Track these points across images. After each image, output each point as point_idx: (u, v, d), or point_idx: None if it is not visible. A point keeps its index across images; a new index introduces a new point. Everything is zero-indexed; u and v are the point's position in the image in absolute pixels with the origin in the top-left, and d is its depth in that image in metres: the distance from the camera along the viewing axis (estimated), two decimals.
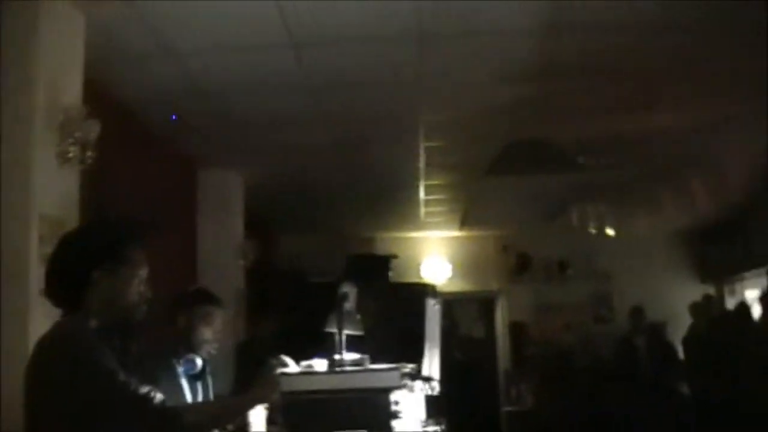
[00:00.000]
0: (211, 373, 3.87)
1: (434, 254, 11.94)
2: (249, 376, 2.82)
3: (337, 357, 3.10)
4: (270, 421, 4.83)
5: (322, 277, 9.02)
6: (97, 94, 4.58)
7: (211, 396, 3.85)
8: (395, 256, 9.66)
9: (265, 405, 3.03)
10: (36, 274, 3.87)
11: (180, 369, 3.69)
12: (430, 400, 3.58)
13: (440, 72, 5.36)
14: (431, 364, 3.58)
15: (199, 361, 3.71)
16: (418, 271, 11.72)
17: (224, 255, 7.73)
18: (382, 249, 10.90)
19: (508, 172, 7.63)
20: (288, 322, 7.44)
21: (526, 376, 11.59)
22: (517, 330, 12.02)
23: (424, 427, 3.21)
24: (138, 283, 2.64)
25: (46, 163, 4.16)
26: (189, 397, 3.65)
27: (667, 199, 9.46)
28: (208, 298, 3.93)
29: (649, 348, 10.31)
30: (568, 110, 6.26)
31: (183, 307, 3.78)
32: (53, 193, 4.22)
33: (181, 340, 3.75)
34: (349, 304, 3.31)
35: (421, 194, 9.13)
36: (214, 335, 3.82)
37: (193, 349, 3.75)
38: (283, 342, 3.29)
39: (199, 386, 3.78)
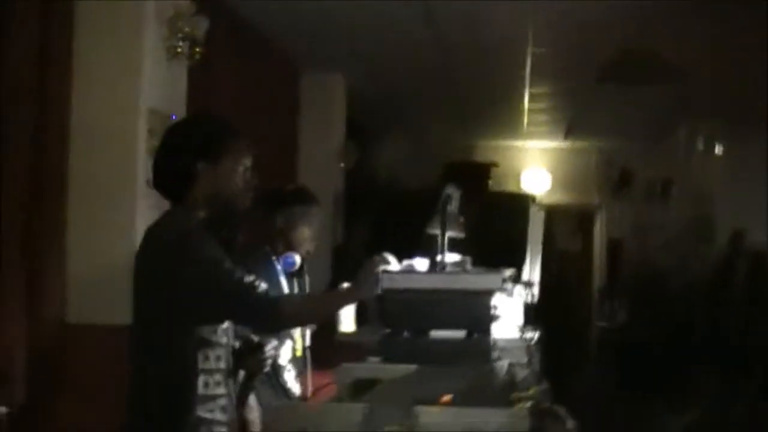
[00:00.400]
0: (308, 272, 3.92)
1: (535, 164, 11.78)
2: (346, 278, 2.83)
3: (438, 258, 3.10)
4: (360, 319, 4.92)
5: (421, 183, 9.04)
6: None
7: None
8: (496, 165, 9.63)
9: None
10: (144, 167, 3.97)
11: (279, 266, 3.74)
12: (527, 308, 3.56)
13: None
14: (532, 270, 3.55)
15: (298, 259, 3.74)
16: (518, 181, 11.59)
17: (324, 158, 7.76)
18: (482, 157, 10.81)
19: (619, 81, 7.41)
20: (386, 225, 7.49)
21: (620, 293, 11.48)
22: (614, 246, 11.87)
23: (521, 333, 3.19)
24: (242, 172, 2.66)
25: (155, 58, 4.21)
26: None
27: None
28: (308, 198, 3.94)
29: (749, 276, 10.07)
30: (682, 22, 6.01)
31: (283, 205, 3.79)
32: (162, 87, 4.28)
33: (280, 238, 3.78)
34: (452, 206, 3.29)
35: (526, 102, 8.96)
36: (312, 234, 3.85)
37: (292, 247, 3.78)
38: (381, 245, 3.28)
39: (296, 284, 3.83)
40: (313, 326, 3.72)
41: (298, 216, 3.79)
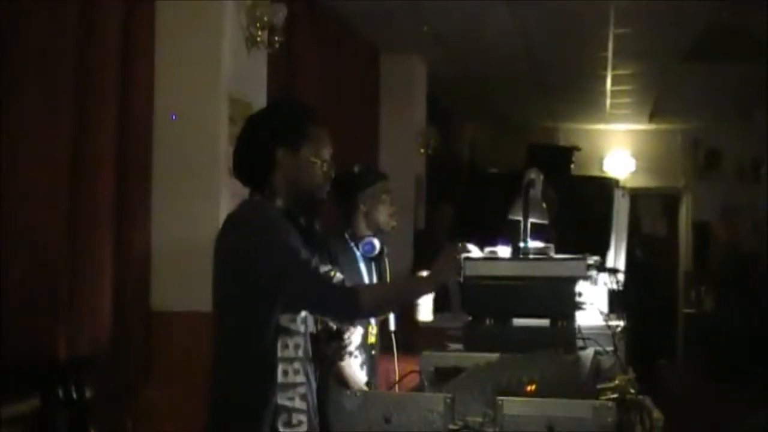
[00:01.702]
0: (388, 256, 3.90)
1: (618, 147, 11.57)
2: (428, 263, 2.80)
3: (521, 244, 3.05)
4: (440, 306, 4.89)
5: (502, 166, 8.96)
6: None
7: (388, 279, 3.88)
8: (578, 148, 9.46)
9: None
10: (226, 154, 4.00)
11: (359, 251, 3.73)
12: (612, 295, 3.49)
13: None
14: (617, 256, 3.47)
15: (377, 243, 3.73)
16: (601, 164, 11.41)
17: (405, 141, 7.75)
18: (564, 140, 10.66)
19: (704, 59, 7.22)
20: (468, 209, 7.44)
21: (708, 278, 11.22)
22: (701, 230, 11.60)
23: (607, 321, 3.12)
24: (322, 162, 2.65)
25: (235, 47, 4.24)
26: (366, 279, 3.69)
27: None
28: (382, 175, 3.93)
29: None
30: None
31: (361, 187, 3.77)
32: (242, 75, 4.32)
33: (364, 220, 3.77)
34: (535, 191, 3.23)
35: (608, 84, 8.81)
36: (394, 209, 3.83)
37: (378, 226, 3.77)
38: (463, 229, 3.25)
39: (376, 269, 3.81)
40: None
41: (378, 194, 3.77)
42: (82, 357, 3.56)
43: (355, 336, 3.63)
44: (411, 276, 4.67)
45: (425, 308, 4.70)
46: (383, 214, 3.77)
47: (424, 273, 2.80)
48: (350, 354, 3.62)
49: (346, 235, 3.75)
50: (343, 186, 3.57)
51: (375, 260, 3.80)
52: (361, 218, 3.75)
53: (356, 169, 3.79)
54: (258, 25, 4.26)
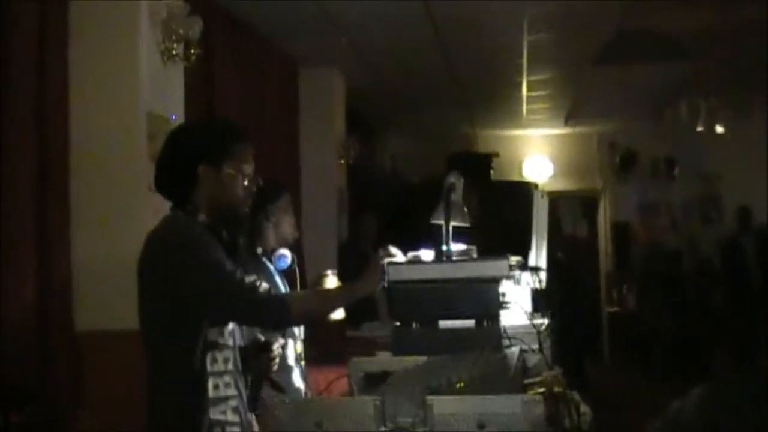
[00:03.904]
0: (299, 267, 3.92)
1: (537, 152, 11.75)
2: (353, 273, 2.82)
3: (444, 248, 3.08)
4: (367, 316, 4.91)
5: (424, 175, 9.03)
6: None
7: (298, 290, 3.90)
8: (497, 154, 9.60)
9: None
10: (145, 171, 3.96)
11: (272, 265, 3.74)
12: (536, 295, 3.54)
13: None
14: (538, 257, 3.53)
15: (290, 256, 3.76)
16: (520, 169, 11.58)
17: (326, 154, 7.76)
18: (483, 147, 10.80)
19: (616, 63, 7.39)
20: (390, 219, 7.48)
21: (629, 277, 11.45)
22: (620, 230, 11.83)
23: (531, 319, 3.17)
24: (244, 178, 2.66)
25: (151, 62, 4.21)
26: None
27: None
28: (284, 188, 3.97)
29: (758, 253, 10.04)
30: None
31: (267, 203, 3.79)
32: (160, 90, 4.28)
33: (272, 234, 3.79)
34: (456, 195, 3.27)
35: (524, 90, 8.95)
36: (295, 220, 3.88)
37: (284, 239, 3.80)
38: (386, 238, 3.27)
39: (289, 281, 3.82)
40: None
41: (282, 208, 3.80)
42: (7, 384, 3.49)
43: (290, 349, 3.65)
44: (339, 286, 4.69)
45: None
46: (289, 226, 3.81)
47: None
48: (290, 367, 3.64)
49: (258, 250, 3.76)
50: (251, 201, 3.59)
51: (286, 273, 3.82)
52: (270, 232, 3.78)
53: (261, 183, 3.81)
54: (173, 38, 4.23)
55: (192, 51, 4.39)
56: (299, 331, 3.78)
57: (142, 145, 4.08)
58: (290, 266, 3.77)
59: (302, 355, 3.82)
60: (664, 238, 11.44)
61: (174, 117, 4.21)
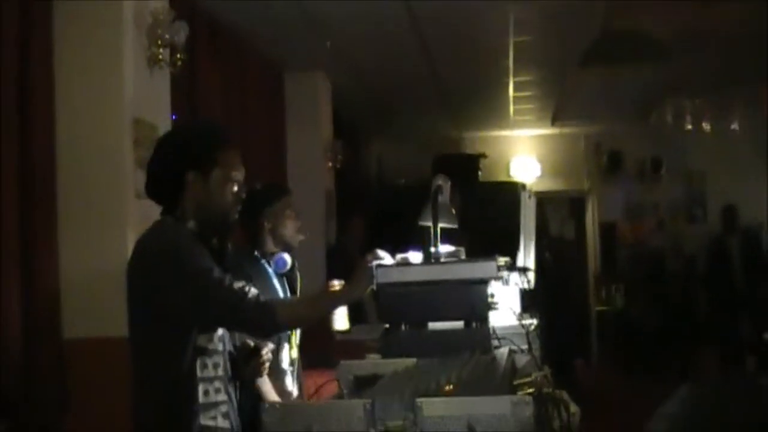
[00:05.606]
0: (299, 270, 3.91)
1: (523, 153, 11.77)
2: (341, 277, 2.82)
3: (432, 249, 3.09)
4: (356, 319, 4.91)
5: (410, 178, 9.04)
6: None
7: (298, 293, 3.89)
8: (484, 156, 9.62)
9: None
10: (132, 177, 3.95)
11: (270, 268, 3.73)
12: (524, 295, 3.55)
13: None
14: (526, 258, 3.54)
15: (288, 259, 3.74)
16: (507, 170, 11.59)
17: (313, 157, 7.76)
18: (470, 148, 10.81)
19: (602, 64, 7.41)
20: (379, 221, 7.48)
21: (617, 277, 11.49)
22: (607, 230, 11.86)
23: (520, 320, 3.18)
24: (233, 185, 2.65)
25: (136, 68, 4.20)
26: (281, 296, 3.69)
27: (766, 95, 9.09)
28: (284, 190, 3.94)
29: (743, 252, 10.09)
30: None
31: (264, 205, 3.77)
32: (145, 96, 4.26)
33: (271, 237, 3.77)
34: (444, 197, 3.28)
35: (511, 91, 8.96)
36: (299, 224, 3.85)
37: (285, 243, 3.77)
38: (375, 242, 3.28)
39: (288, 284, 3.81)
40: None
41: (282, 210, 3.78)
42: None
43: (284, 353, 3.65)
44: (326, 290, 4.70)
45: (341, 318, 4.72)
46: (289, 230, 3.78)
47: (336, 283, 2.82)
48: (284, 371, 3.64)
49: (256, 254, 3.75)
50: (246, 205, 3.58)
51: (286, 276, 3.80)
52: (267, 236, 3.76)
53: (258, 186, 3.79)
54: (159, 43, 4.22)
55: (178, 56, 4.37)
56: (295, 336, 3.77)
57: (128, 152, 4.06)
58: (289, 269, 3.76)
59: (297, 360, 3.80)
60: (650, 237, 11.48)
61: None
